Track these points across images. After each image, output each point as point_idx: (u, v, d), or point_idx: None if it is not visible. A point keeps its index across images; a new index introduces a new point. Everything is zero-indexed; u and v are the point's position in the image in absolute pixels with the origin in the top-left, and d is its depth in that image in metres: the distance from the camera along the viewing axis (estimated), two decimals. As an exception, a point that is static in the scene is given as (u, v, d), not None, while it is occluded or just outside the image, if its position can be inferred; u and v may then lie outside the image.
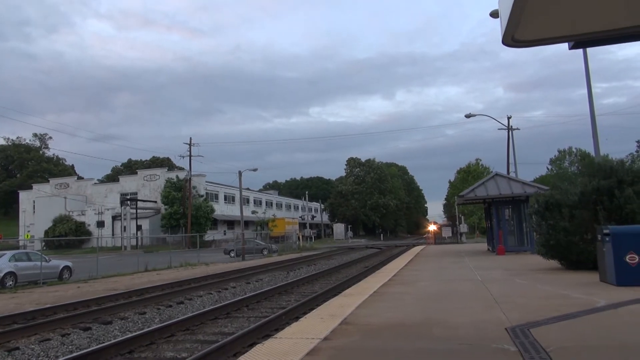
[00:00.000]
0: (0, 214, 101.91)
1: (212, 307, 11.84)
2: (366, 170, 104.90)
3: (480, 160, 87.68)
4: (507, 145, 41.44)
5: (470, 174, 76.48)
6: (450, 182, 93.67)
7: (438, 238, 55.50)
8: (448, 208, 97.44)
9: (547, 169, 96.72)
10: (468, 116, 34.76)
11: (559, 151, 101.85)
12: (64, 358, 7.46)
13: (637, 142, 74.84)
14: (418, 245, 46.80)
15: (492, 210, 24.09)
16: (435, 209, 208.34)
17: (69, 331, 10.19)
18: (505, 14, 4.29)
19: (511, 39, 4.81)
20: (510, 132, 40.93)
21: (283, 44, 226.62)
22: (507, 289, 10.34)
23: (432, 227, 64.62)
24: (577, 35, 5.06)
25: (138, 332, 9.06)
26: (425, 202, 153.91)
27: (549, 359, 4.98)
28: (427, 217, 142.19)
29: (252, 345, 7.18)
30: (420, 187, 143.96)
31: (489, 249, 26.52)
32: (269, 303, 13.10)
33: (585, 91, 16.20)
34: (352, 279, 16.74)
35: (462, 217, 61.68)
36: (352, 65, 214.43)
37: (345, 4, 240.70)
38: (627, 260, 10.01)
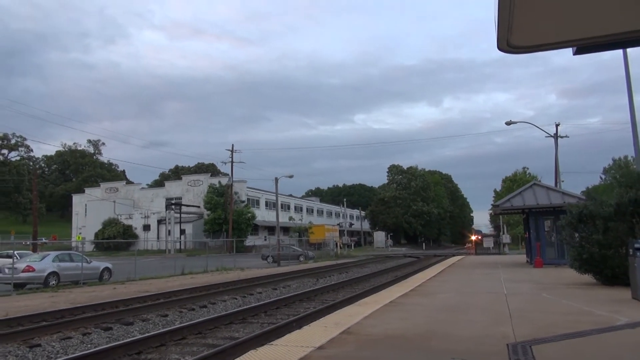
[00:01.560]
0: (57, 216, 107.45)
1: (227, 312, 12.00)
2: (409, 178, 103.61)
3: (527, 168, 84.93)
4: (555, 154, 39.84)
5: (516, 183, 74.11)
6: (495, 191, 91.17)
7: (479, 248, 53.92)
8: (494, 218, 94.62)
9: (601, 178, 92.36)
10: (508, 123, 33.73)
11: (614, 160, 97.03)
12: (75, 354, 7.75)
13: None
14: (458, 255, 45.66)
15: (530, 221, 23.22)
16: (481, 219, 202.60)
17: (90, 330, 10.57)
18: (497, 17, 4.15)
19: (506, 45, 4.64)
20: (556, 141, 39.35)
21: (328, 51, 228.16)
22: (527, 304, 9.92)
23: (473, 237, 62.83)
24: (577, 40, 4.82)
25: (149, 334, 9.30)
26: (471, 212, 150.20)
27: (539, 378, 4.74)
28: (473, 226, 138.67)
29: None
30: (465, 196, 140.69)
31: (527, 261, 25.54)
32: (288, 310, 13.14)
33: None
34: (377, 288, 16.54)
35: (506, 227, 59.73)
36: (397, 71, 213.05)
37: (390, 10, 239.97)
38: (660, 276, 9.39)
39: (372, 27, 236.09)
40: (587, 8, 4.29)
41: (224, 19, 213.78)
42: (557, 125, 39.41)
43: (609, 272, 12.77)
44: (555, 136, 38.92)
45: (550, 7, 4.22)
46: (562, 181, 49.15)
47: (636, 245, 9.98)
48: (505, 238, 51.87)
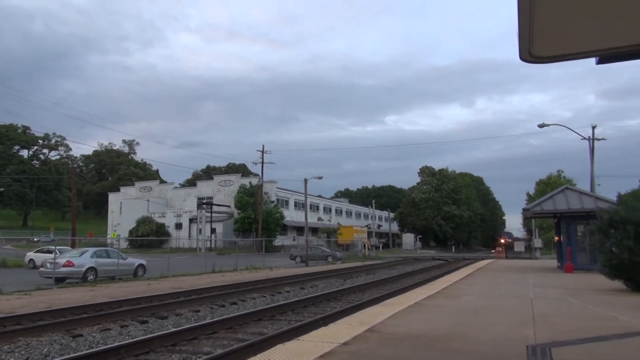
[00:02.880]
0: (93, 213, 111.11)
1: (256, 309, 12.41)
2: (441, 180, 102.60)
3: (563, 171, 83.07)
4: (590, 157, 38.94)
5: (550, 186, 72.59)
6: (528, 194, 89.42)
7: (509, 252, 53.11)
8: (526, 222, 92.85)
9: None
10: (541, 126, 33.22)
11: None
12: (113, 345, 8.27)
13: None
14: (487, 259, 45.13)
15: (561, 226, 22.91)
16: (514, 222, 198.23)
17: (128, 323, 11.16)
18: (518, 27, 4.41)
19: (529, 55, 4.90)
20: (592, 143, 38.45)
21: (362, 52, 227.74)
22: (552, 308, 9.96)
23: (503, 241, 61.74)
24: (600, 50, 5.02)
25: (183, 327, 9.78)
26: (503, 215, 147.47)
27: (554, 378, 4.92)
28: (505, 230, 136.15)
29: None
30: (497, 199, 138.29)
31: (558, 266, 25.17)
32: (315, 308, 13.48)
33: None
34: (402, 290, 16.70)
35: (538, 232, 58.59)
36: (431, 72, 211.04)
37: (426, 10, 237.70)
38: (689, 284, 9.30)
39: (407, 28, 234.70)
40: (608, 18, 4.49)
41: (258, 21, 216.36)
42: (593, 128, 38.52)
43: (640, 279, 12.62)
44: (591, 139, 38.06)
45: (571, 17, 4.44)
46: (599, 185, 47.89)
47: (666, 252, 9.89)
48: (537, 242, 50.93)
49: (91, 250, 23.50)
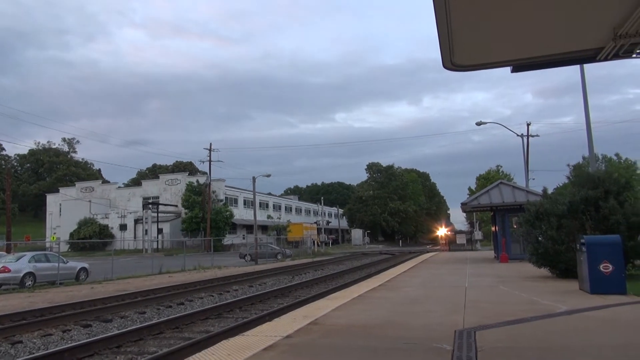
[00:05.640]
0: (30, 216, 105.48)
1: (204, 308, 12.51)
2: (387, 176, 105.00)
3: (501, 166, 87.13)
4: (525, 153, 41.23)
5: (489, 181, 76.12)
6: (469, 189, 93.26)
7: (452, 245, 55.32)
8: (469, 215, 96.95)
9: (568, 178, 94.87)
10: (479, 124, 34.86)
11: (584, 157, 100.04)
12: (56, 349, 8.19)
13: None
14: (432, 252, 46.84)
15: (496, 218, 24.26)
16: (458, 216, 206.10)
17: (70, 327, 10.97)
18: (439, 38, 4.86)
19: (451, 63, 5.37)
20: (527, 140, 40.72)
21: (311, 50, 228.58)
22: (483, 295, 10.71)
23: (441, 232, 63.91)
24: (514, 60, 5.57)
25: (128, 329, 9.77)
26: (448, 209, 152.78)
27: (474, 357, 5.44)
28: (450, 223, 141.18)
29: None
30: (442, 194, 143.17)
31: (495, 257, 26.60)
32: (262, 305, 13.72)
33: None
34: (348, 284, 17.23)
35: (479, 224, 61.32)
36: (380, 71, 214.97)
37: (374, 9, 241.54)
38: (601, 269, 10.28)
39: (355, 26, 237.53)
40: (519, 32, 5.06)
41: (206, 17, 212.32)
42: (528, 125, 40.84)
43: (562, 266, 13.69)
44: (526, 136, 40.26)
45: (485, 31, 4.99)
46: (533, 179, 50.73)
47: (582, 241, 10.85)
48: (478, 235, 53.34)
49: (29, 254, 22.60)
